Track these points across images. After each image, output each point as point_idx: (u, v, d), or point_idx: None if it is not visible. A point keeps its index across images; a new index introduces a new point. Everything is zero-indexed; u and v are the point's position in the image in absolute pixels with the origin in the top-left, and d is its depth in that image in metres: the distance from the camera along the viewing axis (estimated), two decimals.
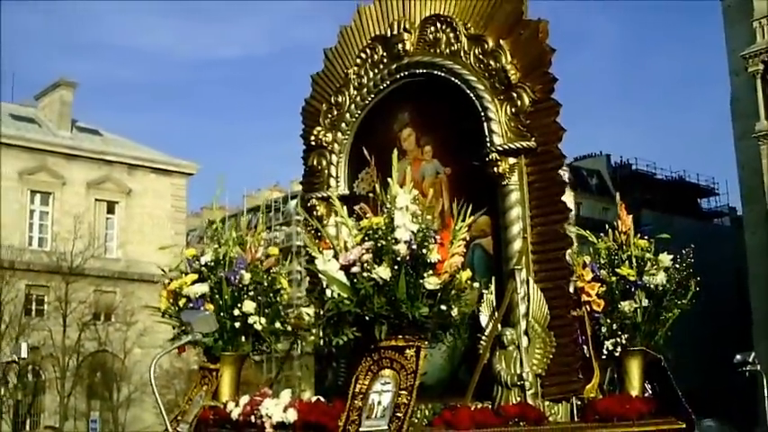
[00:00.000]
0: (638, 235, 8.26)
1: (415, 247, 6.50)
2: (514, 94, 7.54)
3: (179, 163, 55.05)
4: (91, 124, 55.52)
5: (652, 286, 7.97)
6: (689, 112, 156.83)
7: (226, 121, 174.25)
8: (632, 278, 7.94)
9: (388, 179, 6.91)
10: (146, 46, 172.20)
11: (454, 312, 6.68)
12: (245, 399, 7.29)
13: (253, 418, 7.06)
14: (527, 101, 7.48)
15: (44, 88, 55.55)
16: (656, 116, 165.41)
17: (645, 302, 7.92)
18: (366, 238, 6.67)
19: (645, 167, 76.07)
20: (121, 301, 47.76)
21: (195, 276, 7.74)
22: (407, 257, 6.49)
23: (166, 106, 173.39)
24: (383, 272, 6.48)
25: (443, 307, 6.60)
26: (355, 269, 6.61)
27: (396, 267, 6.49)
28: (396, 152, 7.21)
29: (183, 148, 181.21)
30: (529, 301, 7.21)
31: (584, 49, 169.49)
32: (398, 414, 6.27)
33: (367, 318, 6.55)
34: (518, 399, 6.99)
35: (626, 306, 7.92)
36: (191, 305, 7.57)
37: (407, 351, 6.52)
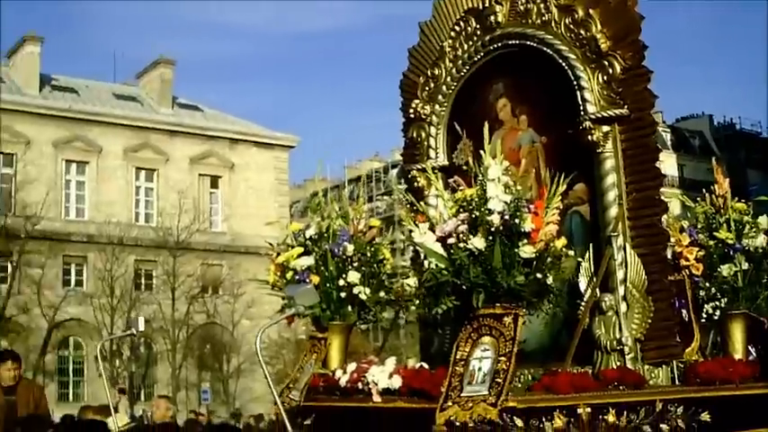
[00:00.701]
0: (737, 198, 8.25)
1: (508, 217, 6.63)
2: (605, 63, 7.59)
3: (280, 136, 55.68)
4: (191, 100, 56.44)
5: (752, 249, 7.97)
6: None
7: (324, 93, 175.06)
8: (731, 242, 7.95)
9: (481, 151, 7.06)
10: (241, 22, 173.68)
11: (550, 280, 6.80)
12: (352, 366, 7.52)
13: (360, 384, 7.28)
14: (618, 69, 7.52)
15: (144, 67, 56.60)
16: (761, 74, 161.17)
17: (744, 266, 7.92)
18: (461, 210, 6.83)
19: (750, 127, 74.45)
20: (228, 273, 48.74)
21: (301, 249, 7.99)
22: (501, 228, 6.62)
23: (265, 81, 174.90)
24: (478, 242, 6.62)
25: (539, 275, 6.71)
26: (451, 240, 6.77)
27: (490, 237, 6.63)
28: (487, 124, 7.33)
29: (283, 121, 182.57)
30: (626, 266, 7.28)
31: (687, 8, 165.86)
32: (498, 380, 6.42)
33: (464, 287, 6.71)
34: (618, 363, 7.07)
35: (725, 270, 7.93)
36: (297, 277, 7.83)
37: (505, 319, 6.65)
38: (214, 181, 52.98)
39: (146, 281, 48.38)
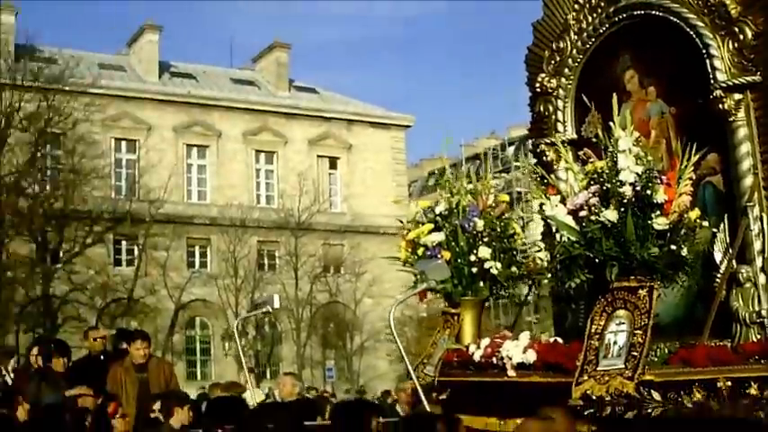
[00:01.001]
0: None
1: (640, 188, 6.57)
2: (736, 29, 7.39)
3: (396, 116, 55.77)
4: (307, 83, 56.90)
5: None
6: None
7: (438, 72, 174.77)
8: None
9: (610, 123, 7.00)
10: (354, 3, 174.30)
11: (685, 252, 6.71)
12: (486, 341, 7.55)
13: (494, 359, 7.31)
14: (749, 35, 7.32)
15: (260, 51, 57.24)
16: None
17: None
18: (591, 182, 6.80)
19: None
20: (349, 253, 49.17)
21: (431, 226, 8.05)
22: (633, 199, 6.58)
23: (379, 62, 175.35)
24: (610, 214, 6.59)
25: (673, 247, 6.64)
26: (583, 213, 6.75)
27: (622, 209, 6.59)
28: (615, 95, 7.26)
29: (398, 101, 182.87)
30: (764, 237, 7.10)
31: None
32: (634, 353, 6.39)
33: (597, 260, 6.68)
34: (758, 337, 6.90)
35: None
36: (428, 253, 7.88)
37: (640, 291, 6.61)
38: (332, 162, 53.36)
39: (269, 261, 49.10)
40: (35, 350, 12.14)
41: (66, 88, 40.91)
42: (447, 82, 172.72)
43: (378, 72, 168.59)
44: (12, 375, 13.09)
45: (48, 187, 42.57)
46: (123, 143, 48.41)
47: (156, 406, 10.01)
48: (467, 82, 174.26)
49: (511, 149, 65.16)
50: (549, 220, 7.09)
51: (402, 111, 57.42)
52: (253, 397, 10.20)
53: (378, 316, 46.38)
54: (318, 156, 52.78)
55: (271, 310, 10.06)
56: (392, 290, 43.05)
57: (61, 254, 42.43)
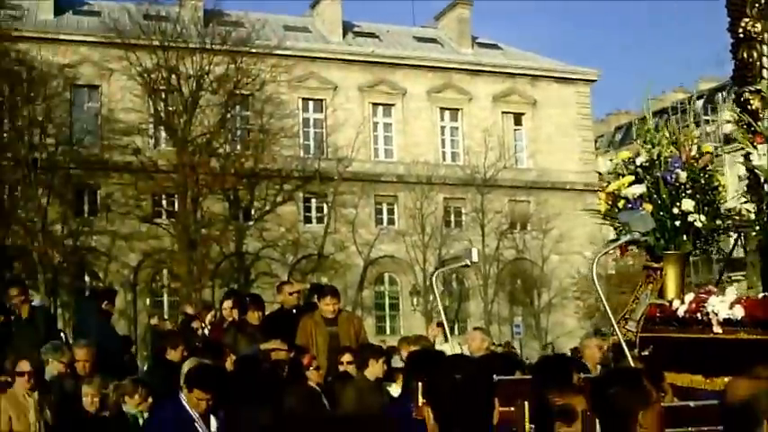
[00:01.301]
0: None
1: None
2: None
3: (580, 71, 54.80)
4: (490, 40, 56.52)
5: None
6: None
7: (622, 25, 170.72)
8: None
9: None
10: None
11: None
12: (689, 296, 7.33)
13: (699, 315, 7.09)
14: None
15: (442, 9, 57.13)
16: None
17: None
18: None
19: None
20: (536, 209, 48.95)
21: (632, 178, 7.87)
22: None
23: (558, 16, 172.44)
24: None
25: None
26: None
27: None
28: None
29: (582, 55, 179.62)
30: None
31: None
32: None
33: None
34: None
35: None
36: (629, 206, 7.71)
37: None
38: (517, 118, 52.84)
39: (455, 218, 49.28)
40: (227, 303, 12.52)
41: (253, 50, 42.09)
42: (632, 35, 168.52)
43: (559, 26, 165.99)
44: (209, 327, 13.59)
45: (238, 147, 43.96)
46: (310, 103, 49.19)
47: (346, 358, 10.15)
48: (653, 34, 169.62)
49: (700, 103, 63.19)
50: (756, 171, 6.81)
51: (586, 65, 56.37)
52: (452, 349, 10.23)
53: (565, 272, 46.06)
54: (503, 112, 52.38)
55: (469, 263, 10.06)
56: (579, 246, 42.57)
57: (253, 211, 43.86)
